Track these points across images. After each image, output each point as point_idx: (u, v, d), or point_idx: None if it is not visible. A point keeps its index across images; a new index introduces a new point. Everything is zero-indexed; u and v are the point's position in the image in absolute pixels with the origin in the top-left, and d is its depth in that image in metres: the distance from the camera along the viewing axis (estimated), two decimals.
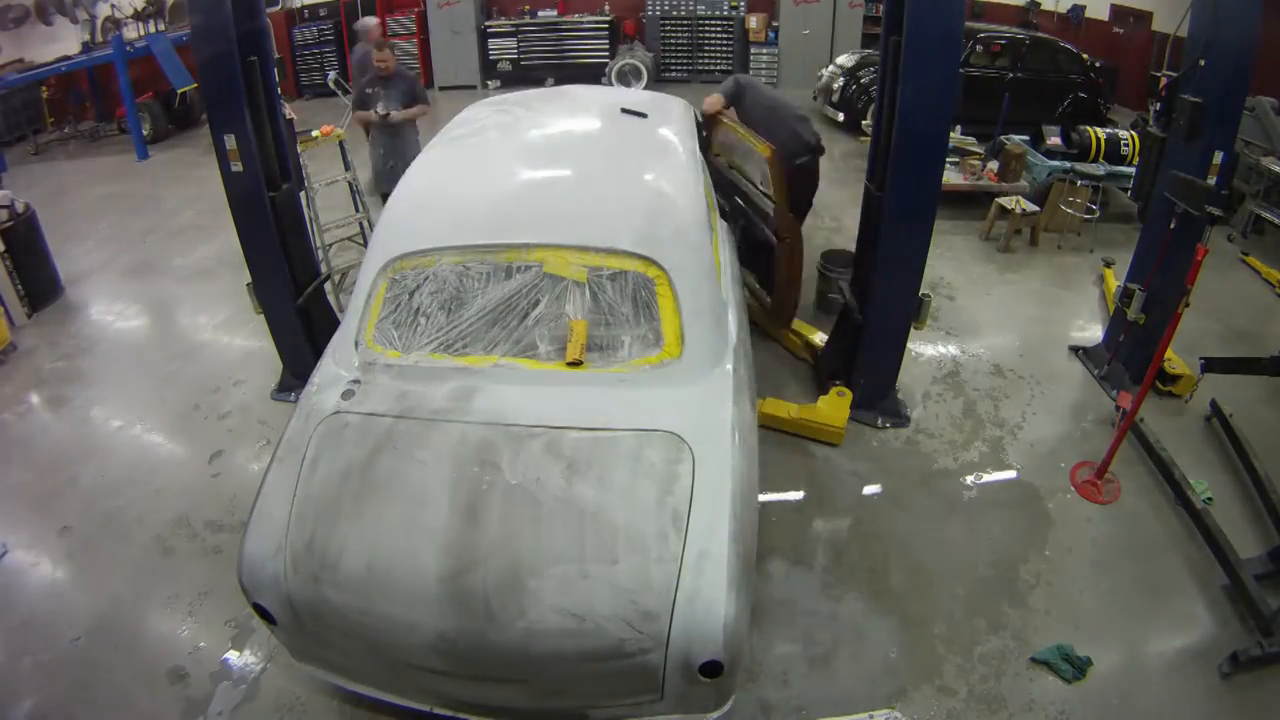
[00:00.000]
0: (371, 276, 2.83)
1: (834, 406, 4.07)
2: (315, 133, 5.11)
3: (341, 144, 5.33)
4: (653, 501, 2.24)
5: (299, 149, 4.84)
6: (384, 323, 2.75)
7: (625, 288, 2.68)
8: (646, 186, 3.08)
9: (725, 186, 4.46)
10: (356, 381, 2.63)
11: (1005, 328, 5.24)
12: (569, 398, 2.51)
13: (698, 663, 2.08)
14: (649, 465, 2.31)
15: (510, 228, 2.79)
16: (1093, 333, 5.13)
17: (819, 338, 4.63)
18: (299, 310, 4.15)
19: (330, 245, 5.43)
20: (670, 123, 3.88)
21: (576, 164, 3.28)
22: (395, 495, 2.31)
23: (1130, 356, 4.44)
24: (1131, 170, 6.43)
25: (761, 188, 4.14)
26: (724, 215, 4.18)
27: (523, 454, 2.35)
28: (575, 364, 2.56)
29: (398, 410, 2.51)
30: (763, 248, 4.29)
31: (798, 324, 4.82)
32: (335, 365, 2.75)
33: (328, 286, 4.84)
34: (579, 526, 2.18)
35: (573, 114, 3.91)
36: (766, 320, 4.78)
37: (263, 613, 2.32)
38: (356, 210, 5.66)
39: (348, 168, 5.42)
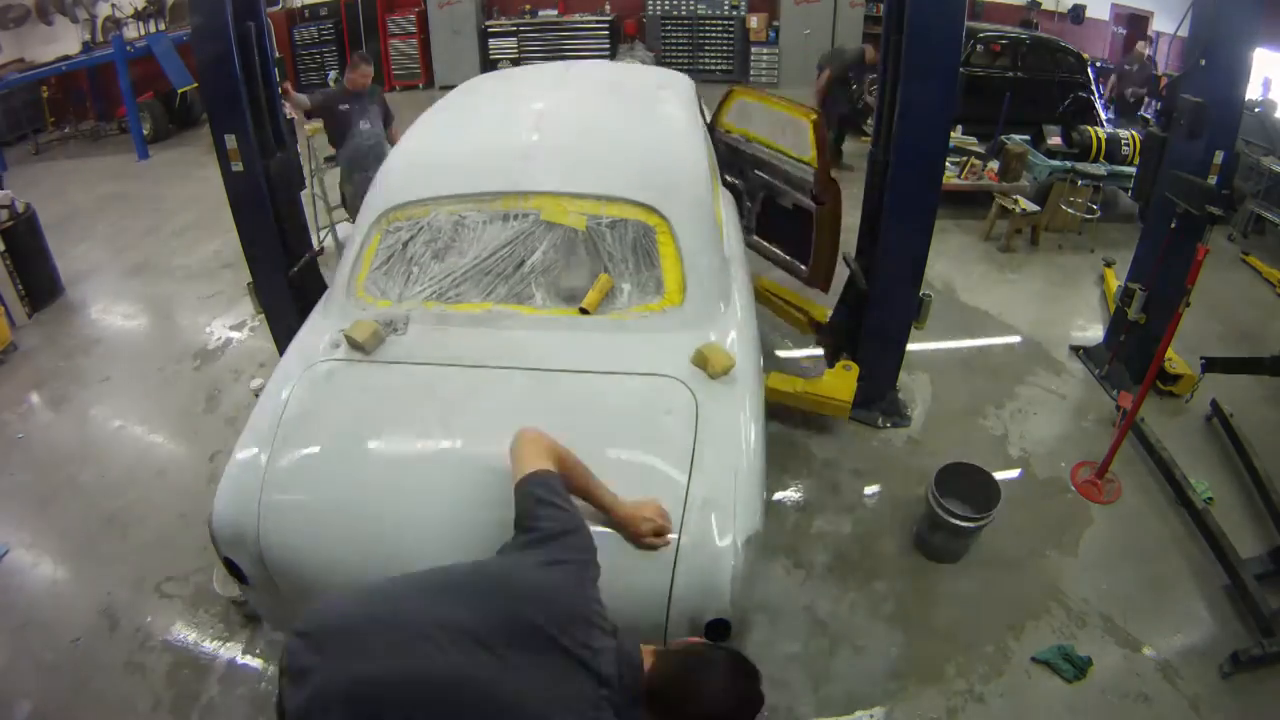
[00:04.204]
0: (365, 229, 2.76)
1: (840, 379, 3.98)
2: None
3: None
4: (653, 445, 2.15)
5: (307, 132, 5.22)
6: (375, 273, 2.68)
7: (625, 235, 2.62)
8: (647, 137, 3.04)
9: (745, 161, 4.42)
10: (343, 331, 2.54)
11: (1006, 327, 5.23)
12: (566, 342, 2.44)
13: (703, 622, 1.94)
14: (649, 409, 2.22)
15: (507, 176, 2.74)
16: (1093, 332, 5.13)
17: (824, 313, 4.55)
18: (295, 291, 4.06)
19: (336, 224, 5.75)
20: (672, 88, 3.87)
21: (576, 118, 3.24)
22: (380, 442, 2.20)
23: (1131, 356, 4.44)
24: (1132, 170, 6.42)
25: (796, 155, 4.04)
26: (740, 190, 4.13)
27: (515, 396, 2.25)
28: (584, 311, 2.50)
29: (386, 357, 2.42)
30: (793, 216, 4.21)
31: (800, 300, 4.73)
32: (324, 317, 2.66)
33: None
34: None
35: (573, 79, 3.91)
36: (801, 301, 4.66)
37: (234, 570, 2.20)
38: None
39: None
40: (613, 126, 3.16)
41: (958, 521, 3.12)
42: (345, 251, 2.81)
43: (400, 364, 2.41)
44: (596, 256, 2.62)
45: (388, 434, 2.25)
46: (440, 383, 2.34)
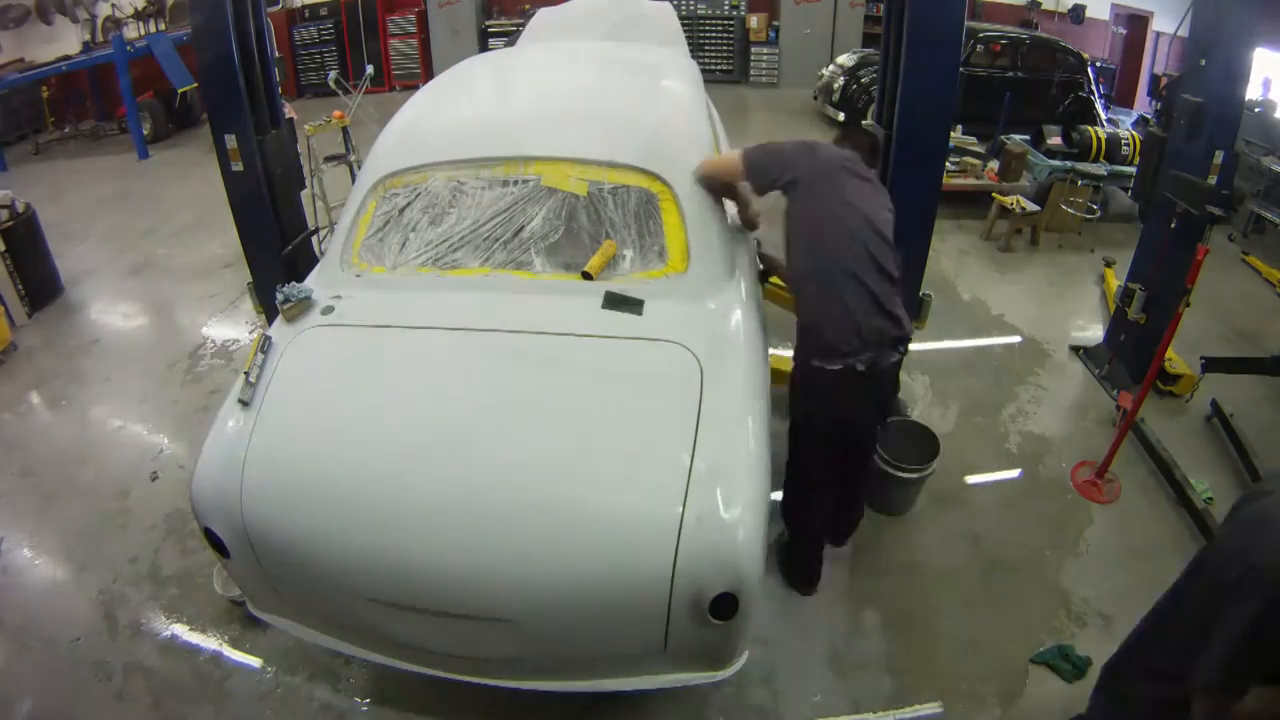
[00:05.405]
0: (361, 196, 2.73)
1: None
2: (328, 118, 5.54)
3: (346, 130, 5.64)
4: (655, 411, 2.08)
5: (308, 132, 5.15)
6: (370, 240, 2.65)
7: (627, 202, 2.59)
8: (651, 106, 3.02)
9: None
10: (338, 297, 2.52)
11: (1006, 327, 5.23)
12: (564, 306, 2.40)
13: (708, 597, 1.85)
14: (650, 374, 2.18)
15: (507, 141, 2.71)
16: (1093, 332, 5.13)
17: None
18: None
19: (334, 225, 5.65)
20: (675, 64, 3.87)
21: (578, 86, 3.22)
22: (370, 409, 2.13)
23: (1131, 356, 4.43)
24: (1132, 170, 6.42)
25: None
26: None
27: (510, 360, 2.20)
28: (586, 276, 2.46)
29: (378, 320, 2.39)
30: None
31: None
32: (316, 284, 2.62)
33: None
34: (568, 438, 2.02)
35: (574, 51, 3.93)
36: None
37: (214, 541, 2.12)
38: None
39: (350, 151, 5.75)
40: (615, 95, 3.13)
41: (900, 474, 3.35)
42: (340, 219, 2.78)
43: (392, 328, 2.36)
44: (598, 223, 2.57)
45: (378, 401, 2.17)
46: (434, 347, 2.27)
